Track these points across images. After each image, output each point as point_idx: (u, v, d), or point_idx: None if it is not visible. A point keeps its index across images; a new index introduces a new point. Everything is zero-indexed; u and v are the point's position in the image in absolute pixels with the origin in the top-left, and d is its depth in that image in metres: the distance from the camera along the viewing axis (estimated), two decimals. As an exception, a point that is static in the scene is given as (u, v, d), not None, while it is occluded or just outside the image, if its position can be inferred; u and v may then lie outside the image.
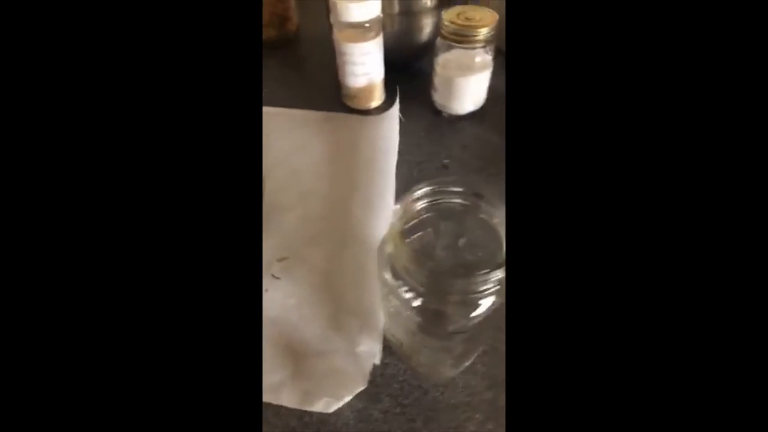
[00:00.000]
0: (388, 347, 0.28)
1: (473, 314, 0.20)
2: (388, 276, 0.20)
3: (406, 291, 0.19)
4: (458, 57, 0.41)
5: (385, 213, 0.35)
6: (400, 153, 0.41)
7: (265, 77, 0.53)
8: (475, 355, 0.27)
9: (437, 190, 0.21)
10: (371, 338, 0.28)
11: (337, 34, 0.41)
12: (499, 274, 0.18)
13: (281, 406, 0.26)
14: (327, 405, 0.26)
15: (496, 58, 0.42)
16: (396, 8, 0.45)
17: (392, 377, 0.27)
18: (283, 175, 0.40)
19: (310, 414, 0.26)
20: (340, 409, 0.26)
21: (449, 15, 0.39)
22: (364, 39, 0.41)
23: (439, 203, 0.22)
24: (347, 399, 0.26)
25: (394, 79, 0.48)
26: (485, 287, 0.18)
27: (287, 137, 0.44)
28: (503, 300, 0.20)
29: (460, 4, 0.42)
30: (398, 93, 0.44)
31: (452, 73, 0.41)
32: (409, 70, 0.51)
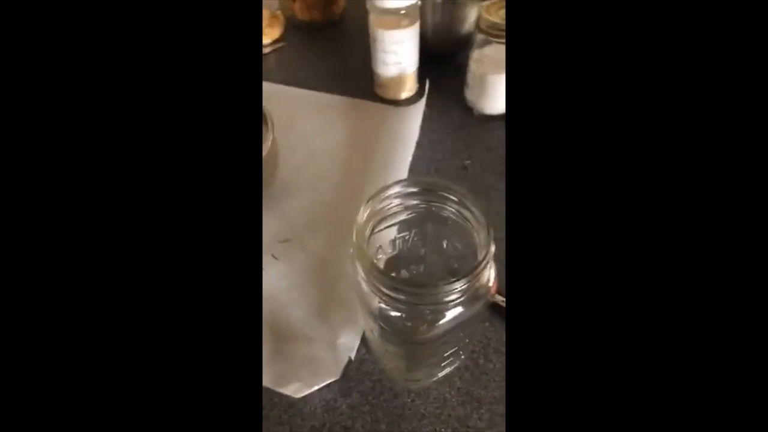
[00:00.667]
0: (367, 344, 0.28)
1: (436, 324, 0.18)
2: (352, 271, 0.19)
3: (369, 291, 0.18)
4: (495, 53, 0.38)
5: None
6: (421, 149, 0.40)
7: (304, 58, 0.54)
8: (446, 368, 0.26)
9: (410, 192, 0.20)
10: (353, 332, 0.28)
11: (372, 20, 0.40)
12: (463, 285, 0.17)
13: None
14: (297, 390, 0.26)
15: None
16: (440, -4, 0.43)
17: (366, 374, 0.27)
18: (301, 157, 0.40)
19: (280, 395, 0.26)
20: (309, 396, 0.26)
21: (486, 7, 0.36)
22: (398, 26, 0.39)
23: (412, 205, 0.21)
24: (317, 387, 0.26)
25: (430, 72, 0.46)
26: (448, 298, 0.17)
27: (312, 120, 0.44)
28: (473, 311, 0.19)
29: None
30: (427, 87, 0.43)
31: (486, 69, 0.39)
32: (448, 63, 0.49)
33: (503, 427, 0.25)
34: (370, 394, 0.26)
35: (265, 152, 0.33)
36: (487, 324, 0.29)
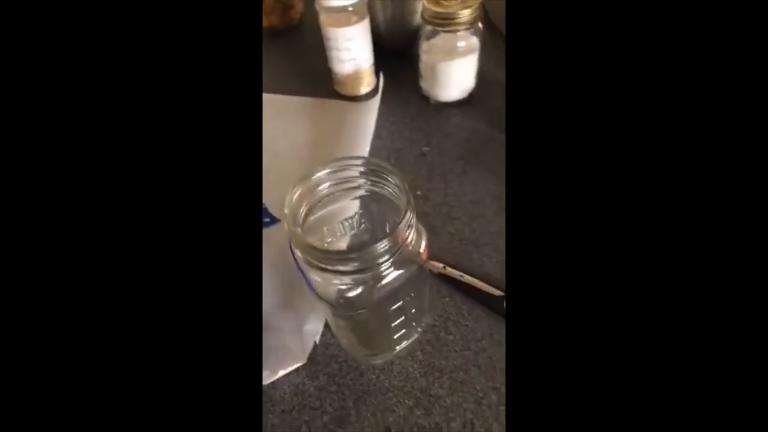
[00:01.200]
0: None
1: (372, 291, 0.20)
2: (297, 253, 0.20)
3: (308, 267, 0.19)
4: (443, 42, 0.40)
5: None
6: (381, 139, 0.41)
7: (265, 64, 0.55)
8: (402, 341, 0.27)
9: (334, 170, 0.21)
10: (316, 318, 0.29)
11: (323, 20, 0.42)
12: (385, 246, 0.18)
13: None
14: (266, 377, 0.27)
15: (485, 41, 0.40)
16: (387, -8, 0.44)
17: (333, 357, 0.28)
18: (266, 159, 0.41)
19: (250, 384, 0.27)
20: (278, 382, 0.27)
21: (429, -2, 0.38)
22: (348, 23, 0.41)
23: (338, 183, 0.22)
24: (284, 372, 0.27)
25: (387, 65, 0.47)
26: (378, 262, 0.18)
27: (275, 122, 0.45)
28: (407, 275, 0.20)
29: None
30: (381, 81, 0.44)
31: (436, 58, 0.40)
32: (404, 56, 0.51)
33: (463, 393, 0.26)
34: (336, 375, 0.27)
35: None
36: (447, 299, 0.30)
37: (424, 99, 0.45)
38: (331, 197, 0.22)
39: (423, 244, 0.21)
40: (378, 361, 0.27)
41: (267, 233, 0.35)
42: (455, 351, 0.27)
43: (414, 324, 0.26)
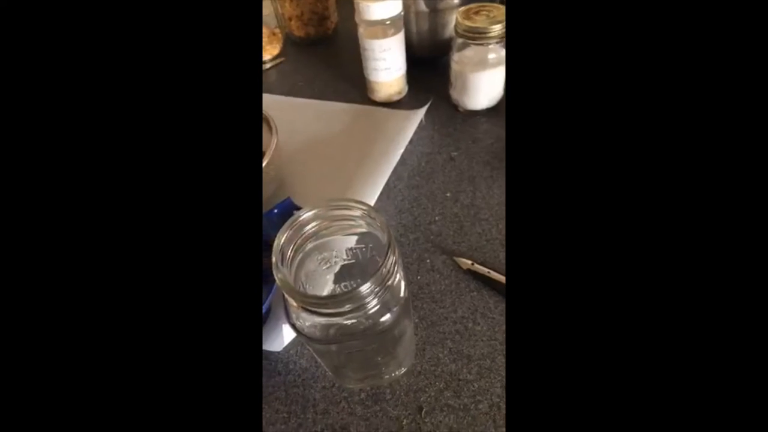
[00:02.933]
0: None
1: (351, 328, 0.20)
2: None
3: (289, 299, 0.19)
4: (473, 54, 0.42)
5: (369, 198, 0.38)
6: (412, 144, 0.44)
7: (302, 71, 0.58)
8: (383, 374, 0.27)
9: (322, 211, 0.21)
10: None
11: (361, 32, 0.45)
12: (369, 287, 0.18)
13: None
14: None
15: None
16: (422, 6, 0.47)
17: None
18: (303, 161, 0.44)
19: (293, 363, 0.30)
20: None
21: (462, 13, 0.40)
22: (385, 36, 0.44)
23: (326, 222, 0.22)
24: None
25: (418, 74, 0.50)
26: (363, 303, 0.18)
27: (312, 126, 0.48)
28: (394, 315, 0.20)
29: (479, 1, 0.43)
30: (425, 111, 0.46)
31: (466, 69, 0.43)
32: (434, 64, 0.53)
33: (489, 379, 0.28)
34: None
35: (269, 156, 0.37)
36: (474, 293, 0.32)
37: (453, 107, 0.47)
38: (318, 235, 0.22)
39: (403, 284, 0.21)
40: (359, 385, 0.28)
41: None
42: (482, 341, 0.30)
43: (392, 362, 0.26)
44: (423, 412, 0.27)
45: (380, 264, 0.18)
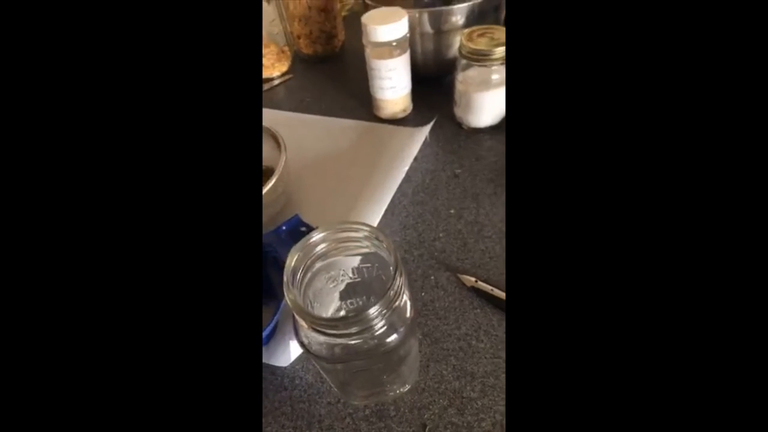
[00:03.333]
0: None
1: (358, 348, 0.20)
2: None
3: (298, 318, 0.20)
4: (476, 74, 0.43)
5: (375, 214, 0.39)
6: (416, 161, 0.45)
7: (309, 87, 0.60)
8: (386, 392, 0.28)
9: (334, 235, 0.22)
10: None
11: (368, 52, 0.46)
12: (377, 309, 0.18)
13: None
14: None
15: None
16: (427, 27, 0.48)
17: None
18: (310, 176, 0.45)
19: (299, 378, 0.30)
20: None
21: (466, 35, 0.42)
22: (391, 56, 0.45)
23: (342, 246, 0.22)
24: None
25: (422, 92, 0.51)
26: (370, 325, 0.19)
27: (320, 142, 0.49)
28: (400, 335, 0.21)
29: (482, 24, 0.44)
30: (429, 129, 0.47)
31: (470, 88, 0.44)
32: (440, 83, 0.55)
33: (493, 397, 0.28)
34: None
35: (278, 173, 0.38)
36: (478, 310, 0.33)
37: (457, 124, 0.48)
38: (327, 255, 0.23)
39: (409, 305, 0.22)
40: (364, 402, 0.29)
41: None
42: (486, 358, 0.30)
43: (398, 380, 0.26)
44: (427, 429, 0.27)
45: (387, 285, 0.19)
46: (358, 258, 0.25)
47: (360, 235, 0.22)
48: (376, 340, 0.20)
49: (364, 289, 0.27)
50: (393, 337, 0.21)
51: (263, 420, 0.29)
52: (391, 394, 0.28)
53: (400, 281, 0.19)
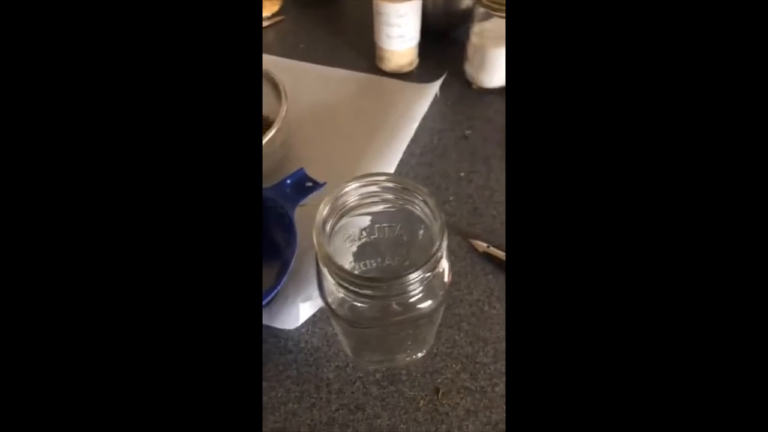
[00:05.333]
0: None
1: (389, 312, 0.19)
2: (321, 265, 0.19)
3: (325, 273, 0.19)
4: (495, 27, 0.40)
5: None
6: (423, 119, 0.42)
7: (305, 33, 0.54)
8: (403, 356, 0.27)
9: (369, 185, 0.20)
10: (313, 304, 0.29)
11: (376, -6, 0.41)
12: (419, 275, 0.17)
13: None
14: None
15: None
16: (440, -29, 0.44)
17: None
18: (308, 129, 0.42)
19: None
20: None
21: (490, -19, 0.38)
22: (401, 0, 0.41)
23: (381, 200, 0.21)
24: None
25: (430, 46, 0.48)
26: (407, 290, 0.18)
27: (317, 93, 0.45)
28: (434, 303, 0.20)
29: (505, -29, 0.41)
30: (444, 75, 0.44)
31: (487, 43, 0.41)
32: (448, 37, 0.51)
33: (505, 362, 0.28)
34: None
35: (279, 123, 0.34)
36: (490, 276, 0.32)
37: (466, 83, 0.46)
38: (353, 210, 0.21)
39: (447, 270, 0.21)
40: (376, 366, 0.28)
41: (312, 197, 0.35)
42: (498, 324, 0.29)
43: (418, 345, 0.26)
44: (440, 393, 0.27)
45: (433, 249, 0.17)
46: (368, 218, 0.23)
47: (400, 188, 0.20)
48: (411, 305, 0.19)
49: (377, 249, 0.25)
50: (428, 303, 0.19)
51: (267, 384, 0.27)
52: (408, 359, 0.27)
53: (444, 245, 0.18)
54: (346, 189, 0.19)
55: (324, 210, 0.19)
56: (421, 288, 0.18)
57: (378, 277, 0.21)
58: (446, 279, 0.20)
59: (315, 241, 0.18)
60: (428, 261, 0.17)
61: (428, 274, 0.17)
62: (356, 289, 0.17)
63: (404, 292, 0.17)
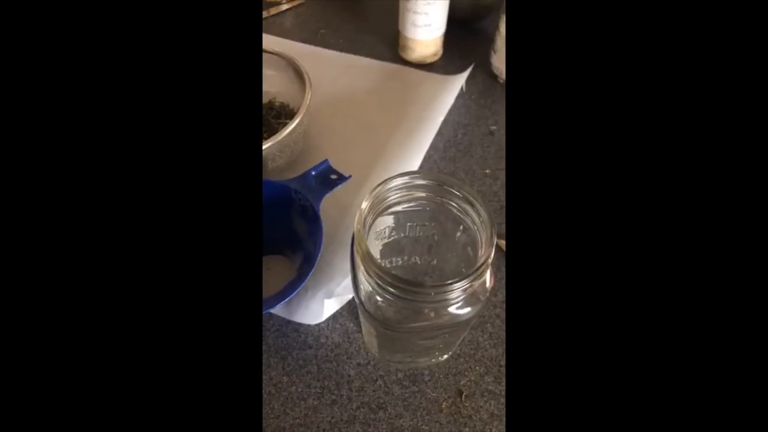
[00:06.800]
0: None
1: (414, 323, 0.18)
2: (358, 261, 0.18)
3: (363, 272, 0.18)
4: (526, 19, 0.39)
5: (408, 166, 0.36)
6: (447, 113, 0.41)
7: (323, 18, 0.53)
8: (428, 358, 0.27)
9: (418, 184, 0.20)
10: (338, 301, 0.28)
11: (404, -20, 0.40)
12: (464, 284, 0.16)
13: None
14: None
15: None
16: (470, -42, 0.42)
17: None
18: (328, 117, 0.40)
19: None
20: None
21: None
22: (431, -13, 0.39)
23: (422, 197, 0.20)
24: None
25: (454, 38, 0.46)
26: (447, 298, 0.17)
27: (339, 82, 0.44)
28: (472, 312, 0.19)
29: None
30: (471, 67, 0.43)
31: (517, 35, 0.39)
32: (472, 27, 0.49)
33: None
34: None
35: (303, 113, 0.33)
36: (514, 278, 0.31)
37: (492, 76, 0.44)
38: (401, 203, 0.20)
39: (488, 278, 0.19)
40: (398, 366, 0.27)
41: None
42: (523, 327, 0.29)
43: (446, 348, 0.25)
44: (463, 396, 0.26)
45: (480, 257, 0.16)
46: (390, 218, 0.23)
47: (448, 192, 0.19)
48: (450, 311, 0.18)
49: (403, 247, 0.25)
50: (467, 310, 0.19)
51: (288, 379, 0.27)
52: (433, 360, 0.26)
53: (491, 253, 0.17)
54: (391, 185, 0.18)
55: (366, 207, 0.18)
56: (462, 296, 0.17)
57: (422, 282, 0.20)
58: (488, 285, 0.19)
59: (356, 238, 0.17)
60: (476, 270, 0.16)
61: (471, 283, 0.16)
62: (396, 292, 0.17)
63: (447, 299, 0.17)
